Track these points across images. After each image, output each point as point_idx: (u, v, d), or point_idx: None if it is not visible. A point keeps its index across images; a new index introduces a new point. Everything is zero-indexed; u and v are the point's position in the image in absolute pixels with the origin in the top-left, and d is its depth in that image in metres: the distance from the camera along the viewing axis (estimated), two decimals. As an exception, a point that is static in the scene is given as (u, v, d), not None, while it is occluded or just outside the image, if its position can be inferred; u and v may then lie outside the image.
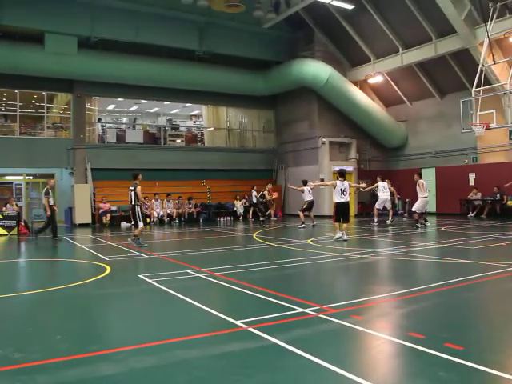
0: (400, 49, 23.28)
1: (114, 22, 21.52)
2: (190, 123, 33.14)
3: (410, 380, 3.84)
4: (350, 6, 21.25)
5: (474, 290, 7.15)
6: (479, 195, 22.33)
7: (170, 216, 23.64)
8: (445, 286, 7.24)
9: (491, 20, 18.76)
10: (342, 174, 13.82)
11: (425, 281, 7.94)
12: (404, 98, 26.22)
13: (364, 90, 25.84)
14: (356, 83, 25.45)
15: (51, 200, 15.99)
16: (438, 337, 4.77)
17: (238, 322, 5.36)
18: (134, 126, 29.43)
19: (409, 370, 4.07)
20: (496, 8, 18.81)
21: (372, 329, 5.17)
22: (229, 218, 25.22)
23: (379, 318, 5.77)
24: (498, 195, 21.29)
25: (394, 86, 25.76)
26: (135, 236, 13.38)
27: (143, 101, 28.17)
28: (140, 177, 13.38)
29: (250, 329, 5.13)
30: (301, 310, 5.84)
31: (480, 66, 18.96)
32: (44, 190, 16.13)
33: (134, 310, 6.46)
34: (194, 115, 33.73)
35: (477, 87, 18.73)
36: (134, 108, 30.61)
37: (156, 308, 6.55)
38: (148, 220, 22.78)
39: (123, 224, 21.97)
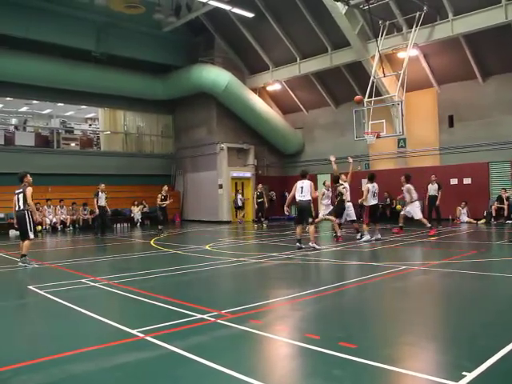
0: (298, 58, 23.99)
1: (2, 16, 20.16)
2: (85, 126, 32.04)
3: (306, 380, 3.92)
4: (250, 15, 21.54)
5: (366, 289, 7.46)
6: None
7: (63, 223, 22.61)
8: (340, 287, 7.51)
9: (381, 36, 19.87)
10: (371, 178, 14.29)
11: (321, 283, 8.16)
12: (301, 106, 27.01)
13: (262, 97, 26.30)
14: (255, 90, 25.84)
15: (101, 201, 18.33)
16: (333, 336, 4.91)
17: (134, 332, 5.19)
18: (24, 128, 27.88)
19: (305, 371, 4.14)
20: (385, 25, 19.95)
21: (270, 332, 5.22)
22: (126, 225, 24.58)
23: (277, 321, 5.85)
24: (388, 200, 22.47)
25: (292, 94, 26.47)
26: (24, 256, 10.63)
27: (35, 101, 26.77)
28: (29, 178, 10.97)
29: (148, 338, 4.99)
30: (199, 316, 5.77)
31: (371, 78, 19.99)
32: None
33: (22, 325, 6.04)
34: (90, 118, 32.65)
35: (368, 98, 19.72)
36: (24, 109, 29.07)
37: (47, 321, 6.18)
38: (39, 227, 21.67)
39: (12, 232, 20.70)
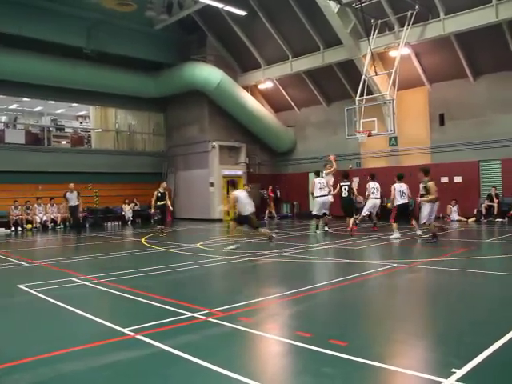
0: (290, 56, 23.98)
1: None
2: (76, 124, 31.89)
3: (297, 377, 3.93)
4: (242, 12, 21.48)
5: (356, 287, 7.48)
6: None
7: (54, 221, 22.49)
8: (330, 286, 7.53)
9: (373, 35, 19.92)
10: (400, 178, 14.32)
11: (311, 281, 8.19)
12: (293, 104, 27.02)
13: (254, 95, 26.27)
14: (247, 88, 25.81)
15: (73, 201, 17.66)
16: (324, 334, 4.93)
17: (125, 330, 5.18)
18: (14, 126, 27.72)
19: (295, 368, 4.16)
20: (377, 24, 20.00)
21: (261, 330, 5.22)
22: (117, 223, 24.49)
23: (268, 319, 5.85)
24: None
25: (284, 92, 26.47)
26: None
27: (25, 99, 26.58)
28: None
29: (138, 336, 4.98)
30: (190, 314, 5.77)
31: (363, 76, 20.03)
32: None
33: (11, 324, 5.98)
34: (81, 116, 32.51)
35: (360, 96, 19.76)
36: (14, 106, 28.89)
37: (36, 319, 6.14)
38: (29, 226, 21.61)
39: (1, 230, 20.63)
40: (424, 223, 13.03)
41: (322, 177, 17.01)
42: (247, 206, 12.28)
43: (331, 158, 17.65)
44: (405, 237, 14.22)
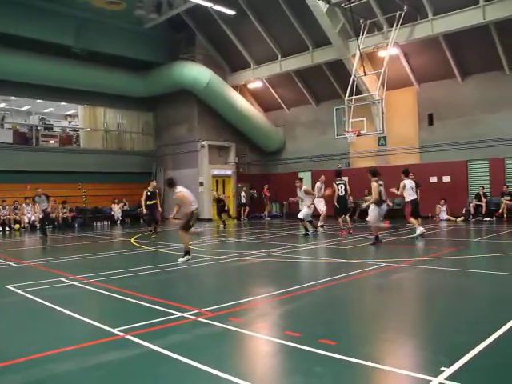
0: (279, 56, 24.01)
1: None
2: (64, 123, 31.70)
3: (287, 377, 3.93)
4: (231, 12, 21.49)
5: (346, 287, 7.49)
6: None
7: (42, 221, 22.33)
8: (320, 285, 7.53)
9: (362, 35, 20.02)
10: (406, 173, 13.92)
11: (301, 280, 8.19)
12: (282, 104, 27.05)
13: (244, 94, 26.28)
14: (236, 88, 25.82)
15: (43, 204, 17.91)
16: (313, 334, 4.93)
17: (114, 330, 5.15)
18: (2, 125, 27.49)
19: (286, 368, 4.15)
20: (366, 24, 20.09)
21: (251, 330, 5.21)
22: (106, 223, 24.38)
23: (258, 318, 5.84)
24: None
25: (273, 91, 26.49)
26: None
27: (13, 97, 26.36)
28: None
29: (128, 336, 4.95)
30: (179, 314, 5.75)
31: (352, 76, 20.11)
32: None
33: (1, 325, 5.94)
34: (70, 115, 32.30)
35: (349, 96, 19.83)
36: (2, 105, 28.63)
37: (25, 320, 6.08)
38: (17, 226, 21.45)
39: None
40: (372, 225, 12.78)
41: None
42: (193, 203, 11.31)
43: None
44: (395, 236, 14.28)
